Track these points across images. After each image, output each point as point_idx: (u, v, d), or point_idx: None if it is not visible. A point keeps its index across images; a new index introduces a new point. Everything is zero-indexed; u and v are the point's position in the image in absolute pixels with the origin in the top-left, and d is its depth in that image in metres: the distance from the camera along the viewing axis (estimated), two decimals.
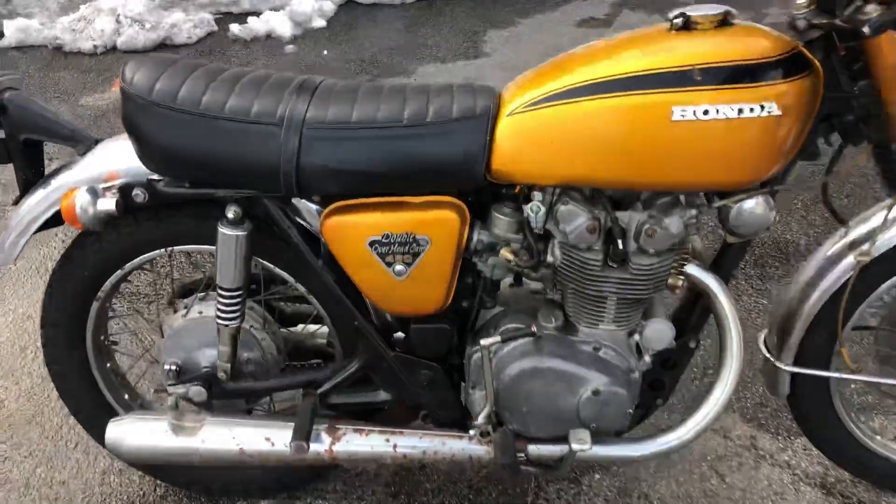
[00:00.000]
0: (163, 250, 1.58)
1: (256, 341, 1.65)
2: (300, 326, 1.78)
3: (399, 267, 1.45)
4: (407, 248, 1.44)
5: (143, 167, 1.44)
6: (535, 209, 1.41)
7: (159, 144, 1.39)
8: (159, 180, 1.46)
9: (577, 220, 1.38)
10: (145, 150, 1.41)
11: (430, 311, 1.51)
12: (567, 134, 1.34)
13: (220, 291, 1.52)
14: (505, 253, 1.45)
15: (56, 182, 1.51)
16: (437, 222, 1.42)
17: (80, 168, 1.51)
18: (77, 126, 1.54)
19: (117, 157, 1.50)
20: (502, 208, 1.46)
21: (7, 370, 2.25)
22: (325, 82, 1.48)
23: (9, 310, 2.49)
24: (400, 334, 1.57)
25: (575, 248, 1.42)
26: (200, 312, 1.63)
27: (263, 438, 1.57)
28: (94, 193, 1.42)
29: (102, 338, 1.72)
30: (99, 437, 1.77)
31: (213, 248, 1.50)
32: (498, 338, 1.48)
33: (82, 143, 1.53)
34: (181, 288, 1.77)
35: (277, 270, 1.59)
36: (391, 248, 1.44)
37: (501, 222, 1.46)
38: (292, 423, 1.56)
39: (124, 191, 1.46)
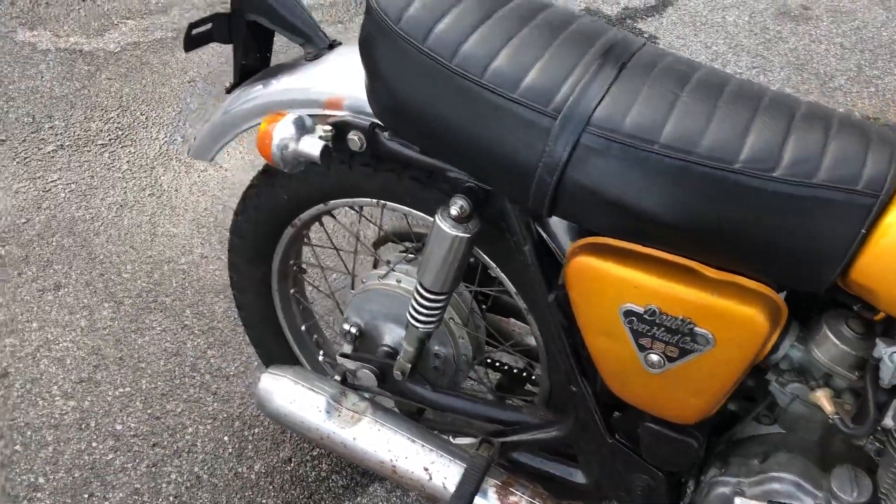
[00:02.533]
0: (374, 201, 1.25)
1: (452, 337, 1.31)
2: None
3: (655, 357, 1.01)
4: (676, 338, 0.98)
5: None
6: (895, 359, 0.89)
7: (392, 90, 1.01)
8: (384, 129, 1.10)
9: None
10: (375, 91, 1.04)
11: (680, 420, 1.07)
12: None
13: (419, 289, 1.17)
14: (822, 399, 0.95)
15: (272, 87, 1.20)
16: (733, 319, 0.94)
17: (300, 77, 1.18)
18: (314, 23, 1.20)
19: (349, 77, 1.15)
20: (842, 327, 0.95)
21: (213, 228, 2.12)
22: (644, 50, 1.00)
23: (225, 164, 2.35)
24: (623, 416, 1.16)
25: None
26: (399, 281, 1.30)
27: (422, 467, 1.26)
28: (302, 126, 1.08)
29: (291, 262, 1.46)
30: (266, 362, 1.57)
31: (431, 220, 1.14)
32: None
33: (313, 46, 1.19)
34: (387, 235, 1.44)
35: (501, 275, 1.21)
36: (653, 329, 0.99)
37: (833, 348, 0.95)
38: (461, 462, 1.23)
39: (340, 129, 1.11)
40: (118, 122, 2.45)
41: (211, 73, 2.64)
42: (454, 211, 1.05)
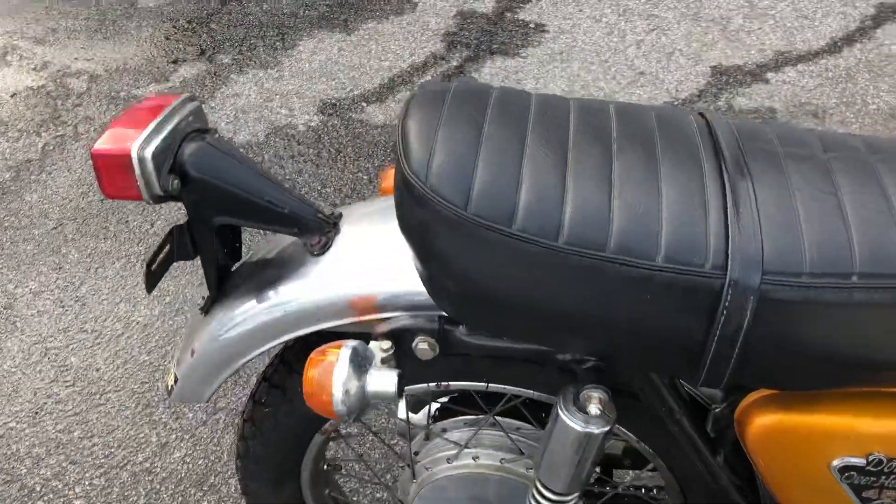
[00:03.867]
0: (433, 385, 0.98)
1: None
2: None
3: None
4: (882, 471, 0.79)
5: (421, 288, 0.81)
6: None
7: (474, 281, 0.75)
8: (455, 325, 0.84)
9: None
10: (444, 286, 0.77)
11: None
12: None
13: (541, 489, 0.92)
14: None
15: (271, 299, 0.90)
16: None
17: (307, 279, 0.89)
18: (306, 201, 0.90)
19: (372, 263, 0.87)
20: None
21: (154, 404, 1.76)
22: (740, 131, 0.79)
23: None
24: None
25: None
26: (477, 458, 1.05)
27: None
28: (359, 359, 0.79)
29: (323, 464, 1.17)
30: None
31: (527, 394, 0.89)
32: None
33: (315, 234, 0.90)
34: (420, 397, 1.17)
35: (625, 431, 0.98)
36: (881, 479, 0.79)
37: None
38: None
39: (399, 338, 0.84)
40: None
41: (79, 209, 2.23)
42: (593, 409, 0.80)
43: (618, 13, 2.79)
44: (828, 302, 0.69)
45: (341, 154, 2.31)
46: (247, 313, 0.91)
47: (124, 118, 0.85)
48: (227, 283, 0.95)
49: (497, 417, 1.02)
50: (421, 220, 0.75)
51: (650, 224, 0.71)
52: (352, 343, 0.81)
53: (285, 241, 0.95)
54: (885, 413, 0.76)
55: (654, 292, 0.71)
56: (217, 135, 0.90)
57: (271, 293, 0.90)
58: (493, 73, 2.57)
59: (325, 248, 0.89)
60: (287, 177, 2.26)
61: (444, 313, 0.83)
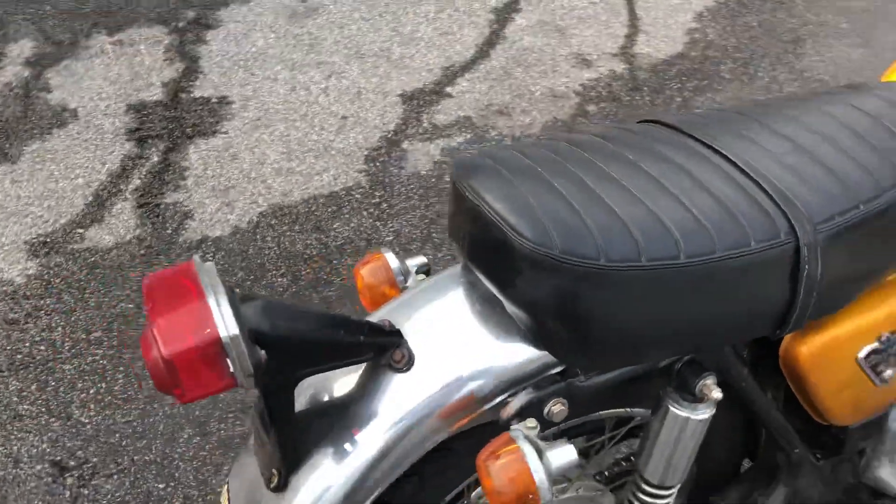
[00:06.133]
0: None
1: None
2: None
3: (889, 373, 1.03)
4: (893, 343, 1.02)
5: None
6: None
7: (614, 324, 0.79)
8: (574, 376, 0.86)
9: None
10: (581, 337, 0.79)
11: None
12: None
13: (644, 486, 0.98)
14: None
15: (384, 432, 0.81)
16: None
17: (407, 405, 0.82)
18: (368, 322, 0.83)
19: (453, 353, 0.85)
20: None
21: None
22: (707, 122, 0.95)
23: None
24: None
25: None
26: (580, 490, 1.07)
27: None
28: (534, 442, 0.77)
29: None
30: None
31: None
32: None
33: (394, 349, 0.83)
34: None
35: None
36: (887, 352, 1.01)
37: None
38: None
39: (535, 409, 0.83)
40: None
41: None
42: (715, 392, 0.88)
43: (289, 69, 2.83)
44: (862, 228, 0.87)
45: (87, 291, 2.03)
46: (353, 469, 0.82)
47: (159, 308, 0.71)
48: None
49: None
50: (558, 287, 0.76)
51: (724, 218, 0.82)
52: (517, 429, 0.79)
53: (337, 374, 0.87)
54: (886, 299, 0.97)
55: (752, 272, 0.82)
56: (237, 288, 0.79)
57: (370, 432, 0.82)
58: (203, 156, 2.44)
59: (412, 361, 0.84)
60: (38, 338, 1.92)
61: (556, 370, 0.85)
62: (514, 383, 0.84)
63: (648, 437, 0.95)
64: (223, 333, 0.69)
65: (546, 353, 0.83)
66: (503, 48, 2.98)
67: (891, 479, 1.22)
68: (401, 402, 0.83)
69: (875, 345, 0.98)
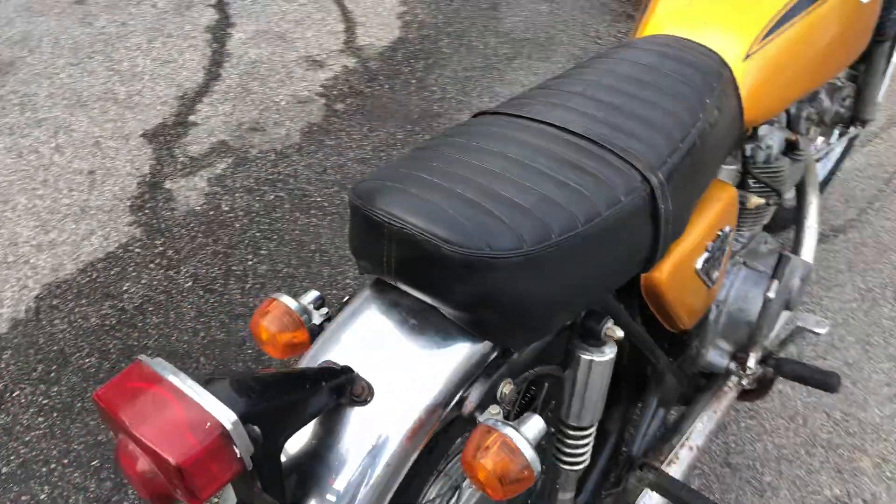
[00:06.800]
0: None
1: None
2: None
3: (716, 273, 1.24)
4: (720, 247, 1.22)
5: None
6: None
7: (531, 303, 0.88)
8: (510, 355, 0.94)
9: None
10: (512, 322, 0.87)
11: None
12: (798, 54, 1.26)
13: (568, 431, 1.09)
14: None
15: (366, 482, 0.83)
16: (729, 204, 1.23)
17: (384, 433, 0.84)
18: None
19: (405, 369, 0.89)
20: None
21: None
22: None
23: None
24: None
25: None
26: None
27: None
28: (515, 427, 0.83)
29: None
30: None
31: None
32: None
33: (354, 384, 0.85)
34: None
35: None
36: (714, 258, 1.21)
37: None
38: None
39: (491, 395, 0.89)
40: None
41: None
42: (617, 332, 1.01)
43: (7, 134, 2.55)
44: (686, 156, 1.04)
45: None
46: None
47: (138, 418, 0.68)
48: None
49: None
50: (493, 281, 0.84)
51: (595, 182, 0.94)
52: (488, 418, 0.86)
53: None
54: (703, 215, 1.16)
55: (627, 222, 0.96)
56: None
57: (347, 478, 0.84)
58: None
59: (372, 391, 0.87)
60: None
61: (494, 356, 0.92)
62: (465, 379, 0.90)
63: (565, 387, 1.07)
64: (226, 423, 0.67)
65: (483, 343, 0.90)
66: (232, 65, 2.93)
67: (714, 360, 1.47)
68: (371, 437, 0.85)
69: (706, 255, 1.18)
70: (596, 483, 1.28)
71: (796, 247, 1.75)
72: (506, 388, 0.92)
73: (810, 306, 2.13)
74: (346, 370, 0.87)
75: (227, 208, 2.34)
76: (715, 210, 1.18)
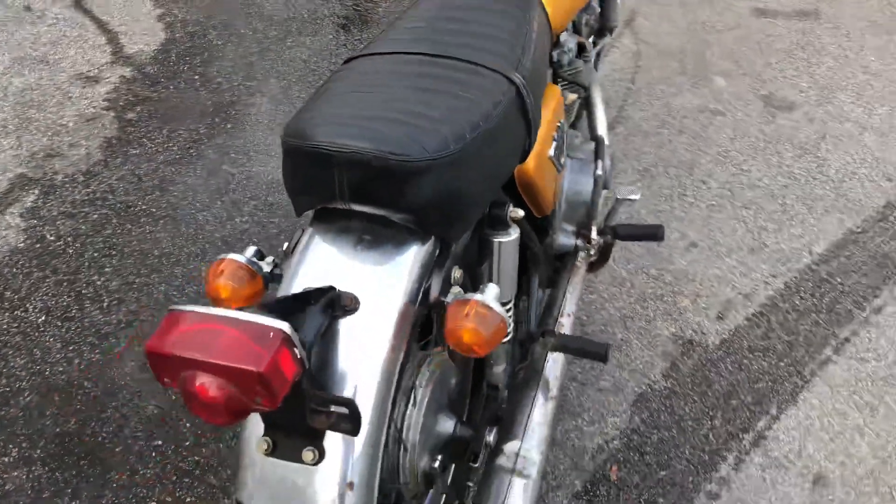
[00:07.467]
0: None
1: None
2: None
3: (563, 159, 1.49)
4: (560, 136, 1.47)
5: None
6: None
7: (464, 196, 1.07)
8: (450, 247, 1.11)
9: None
10: (457, 214, 1.06)
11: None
12: None
13: None
14: None
15: None
16: (560, 101, 1.49)
17: (374, 345, 0.99)
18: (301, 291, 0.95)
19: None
20: None
21: None
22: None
23: None
24: None
25: None
26: None
27: None
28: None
29: None
30: None
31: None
32: None
33: (342, 297, 0.98)
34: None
35: None
36: (558, 145, 1.46)
37: None
38: None
39: (447, 281, 1.07)
40: None
41: None
42: (519, 211, 1.21)
43: None
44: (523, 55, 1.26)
45: None
46: None
47: (205, 344, 0.79)
48: None
49: None
50: (436, 181, 1.01)
51: (479, 91, 1.14)
52: (456, 295, 1.04)
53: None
54: (545, 109, 1.41)
55: (510, 119, 1.16)
56: None
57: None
58: None
59: (357, 299, 1.01)
60: None
61: (438, 250, 1.10)
62: (424, 273, 1.07)
63: (487, 267, 1.27)
64: (285, 329, 0.80)
65: (429, 242, 1.07)
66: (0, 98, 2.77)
67: (565, 241, 1.75)
68: (368, 338, 0.99)
69: (554, 143, 1.43)
70: (514, 354, 1.51)
71: (592, 135, 2.07)
72: (456, 273, 1.10)
73: None
74: (331, 288, 1.01)
75: (52, 237, 2.27)
76: (551, 106, 1.43)
